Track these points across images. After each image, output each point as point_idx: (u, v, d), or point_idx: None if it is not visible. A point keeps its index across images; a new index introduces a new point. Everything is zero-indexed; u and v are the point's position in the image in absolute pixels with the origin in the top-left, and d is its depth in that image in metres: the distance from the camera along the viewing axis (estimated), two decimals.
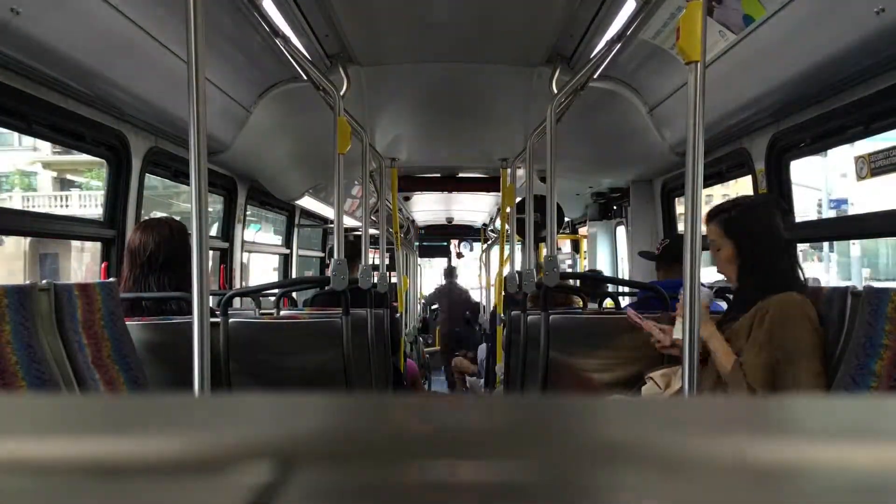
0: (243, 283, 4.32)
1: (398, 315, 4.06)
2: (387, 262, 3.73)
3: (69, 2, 1.78)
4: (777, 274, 1.81)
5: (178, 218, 2.55)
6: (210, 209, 3.60)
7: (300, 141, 3.75)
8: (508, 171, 4.02)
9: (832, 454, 0.27)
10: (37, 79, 1.99)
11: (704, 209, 1.93)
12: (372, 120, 3.51)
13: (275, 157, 3.90)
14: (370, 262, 2.63)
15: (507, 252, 4.53)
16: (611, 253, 5.43)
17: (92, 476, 0.28)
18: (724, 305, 2.52)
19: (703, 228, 1.38)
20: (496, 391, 4.15)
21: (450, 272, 8.86)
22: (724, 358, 1.80)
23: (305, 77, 2.48)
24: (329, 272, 2.21)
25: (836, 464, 0.27)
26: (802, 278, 1.86)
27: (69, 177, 17.02)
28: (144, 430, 0.31)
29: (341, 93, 2.33)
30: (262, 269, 6.04)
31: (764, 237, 1.84)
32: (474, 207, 8.03)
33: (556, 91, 2.72)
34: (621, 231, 5.18)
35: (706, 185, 1.60)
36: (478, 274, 9.47)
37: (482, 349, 5.71)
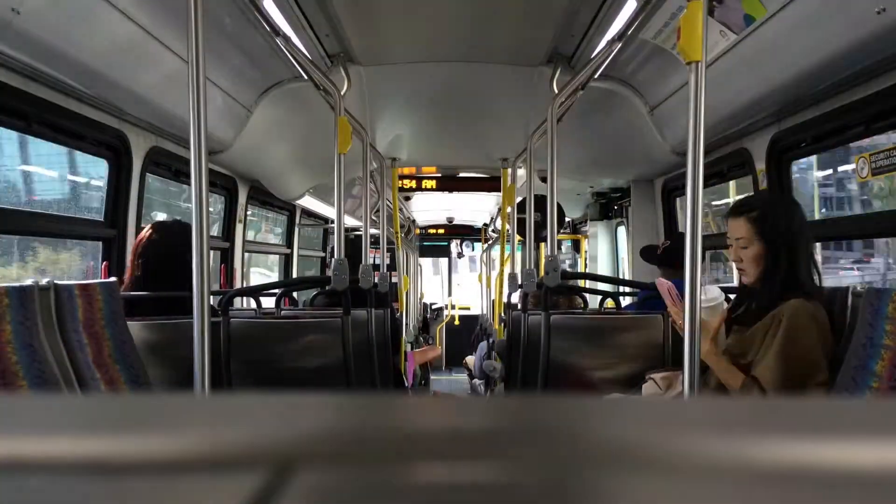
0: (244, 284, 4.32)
1: (399, 315, 4.06)
2: (387, 261, 3.73)
3: (70, 1, 1.78)
4: (800, 277, 1.76)
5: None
6: (210, 209, 3.60)
7: (301, 141, 3.75)
8: (509, 170, 4.02)
9: (832, 454, 0.27)
10: (37, 78, 1.99)
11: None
12: (372, 120, 3.51)
13: (275, 157, 3.90)
14: (371, 261, 2.63)
15: (507, 252, 4.53)
16: (611, 253, 5.43)
17: (92, 476, 0.28)
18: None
19: (711, 227, 1.38)
20: (496, 390, 4.15)
21: None
22: (731, 377, 1.76)
23: (306, 77, 2.48)
24: (330, 272, 2.21)
25: (836, 464, 0.27)
26: (819, 282, 1.81)
27: None
28: (145, 430, 0.31)
29: (342, 92, 2.33)
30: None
31: (796, 239, 1.77)
32: (475, 207, 8.03)
33: (556, 91, 2.72)
34: (622, 231, 5.17)
35: (707, 186, 1.58)
36: (478, 274, 9.47)
37: (482, 348, 5.71)
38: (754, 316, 1.81)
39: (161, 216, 3.37)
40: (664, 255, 2.96)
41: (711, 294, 1.80)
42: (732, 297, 2.41)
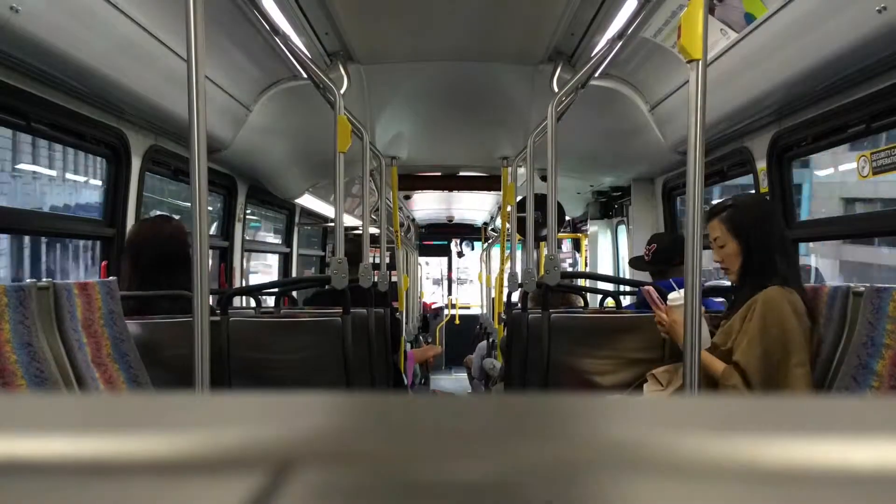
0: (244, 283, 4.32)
1: (398, 314, 4.06)
2: (387, 260, 3.73)
3: (69, 0, 1.78)
4: (779, 272, 1.82)
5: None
6: (210, 207, 3.60)
7: (300, 139, 3.75)
8: (509, 169, 4.02)
9: (832, 454, 0.27)
10: (36, 77, 1.99)
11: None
12: (372, 118, 3.51)
13: (275, 156, 3.90)
14: (370, 260, 2.62)
15: (507, 251, 4.53)
16: (612, 252, 5.43)
17: (92, 476, 0.27)
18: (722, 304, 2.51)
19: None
20: (495, 389, 4.15)
21: None
22: (713, 365, 1.82)
23: (305, 75, 2.48)
24: (329, 271, 2.21)
25: (836, 464, 0.27)
26: (802, 278, 1.87)
27: None
28: (144, 429, 0.31)
29: (341, 91, 2.32)
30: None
31: (768, 236, 1.86)
32: (475, 206, 8.03)
33: (557, 89, 2.72)
34: (622, 230, 5.17)
35: (707, 185, 1.60)
36: (478, 273, 9.46)
37: (482, 347, 5.71)
38: (737, 309, 1.88)
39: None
40: (653, 260, 2.94)
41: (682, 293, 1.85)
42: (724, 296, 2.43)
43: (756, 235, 1.86)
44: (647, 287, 2.11)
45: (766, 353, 1.72)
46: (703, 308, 1.98)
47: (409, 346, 5.15)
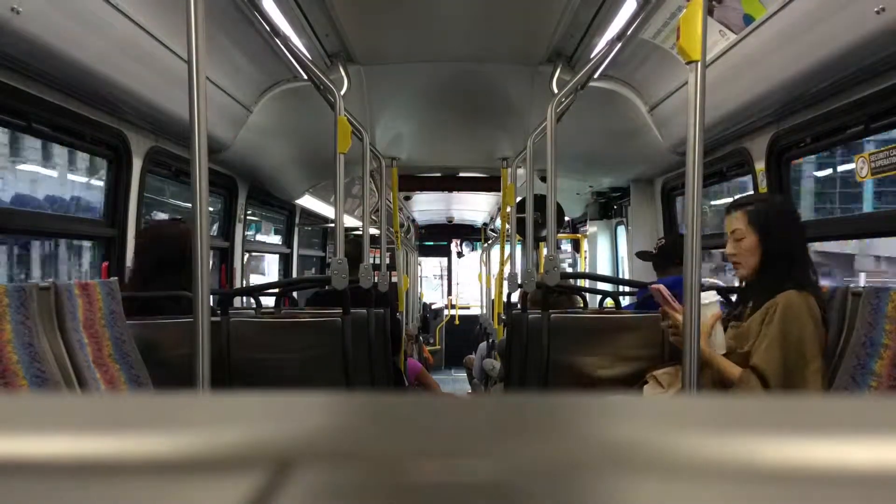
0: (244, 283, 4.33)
1: (399, 314, 4.06)
2: (387, 261, 3.73)
3: (70, 1, 1.78)
4: (795, 271, 1.80)
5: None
6: (210, 208, 3.60)
7: (300, 140, 3.76)
8: (509, 170, 4.03)
9: (831, 454, 0.27)
10: (37, 78, 1.99)
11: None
12: (372, 119, 3.51)
13: (275, 157, 3.90)
14: (371, 261, 2.63)
15: (507, 251, 4.54)
16: (611, 252, 5.43)
17: (92, 476, 0.28)
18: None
19: (702, 227, 1.38)
20: (494, 389, 4.15)
21: None
22: (729, 369, 1.79)
23: (306, 76, 2.48)
24: (329, 272, 2.21)
25: (835, 463, 0.27)
26: (815, 278, 1.85)
27: None
28: (145, 429, 0.31)
29: (342, 92, 2.33)
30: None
31: (791, 236, 1.83)
32: (475, 207, 8.03)
33: (556, 90, 2.72)
34: (622, 230, 5.17)
35: (706, 185, 1.60)
36: (478, 273, 9.45)
37: (482, 348, 5.71)
38: (751, 310, 1.85)
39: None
40: (659, 253, 2.97)
41: (705, 293, 1.84)
42: (732, 297, 2.42)
43: (779, 234, 1.82)
44: (657, 285, 2.07)
45: (784, 359, 1.70)
46: (720, 312, 1.97)
47: (413, 348, 5.10)
